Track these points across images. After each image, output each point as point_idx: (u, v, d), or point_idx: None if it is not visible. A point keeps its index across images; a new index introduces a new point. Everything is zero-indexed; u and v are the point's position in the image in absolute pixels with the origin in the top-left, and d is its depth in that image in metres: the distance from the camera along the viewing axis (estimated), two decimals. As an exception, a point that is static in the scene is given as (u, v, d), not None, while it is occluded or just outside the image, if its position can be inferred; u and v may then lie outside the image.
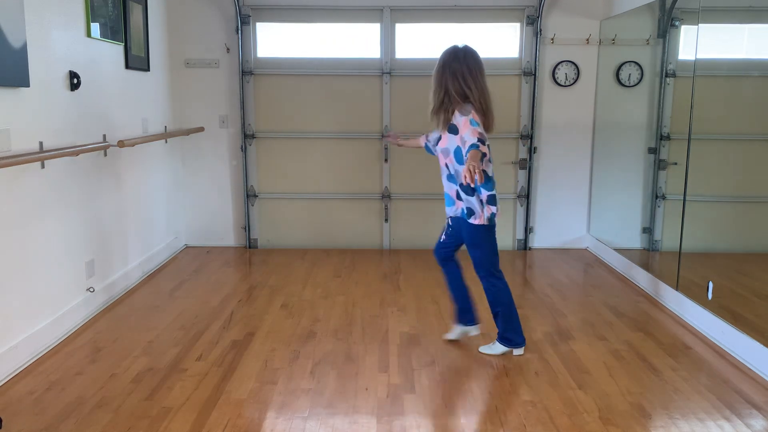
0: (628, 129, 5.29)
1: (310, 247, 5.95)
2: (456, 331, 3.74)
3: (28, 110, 3.41)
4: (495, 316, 3.55)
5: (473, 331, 3.74)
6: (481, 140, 3.18)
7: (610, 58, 5.49)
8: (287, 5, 5.66)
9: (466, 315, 3.70)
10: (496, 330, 3.58)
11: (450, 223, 3.59)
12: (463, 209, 3.41)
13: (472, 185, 3.24)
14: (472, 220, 3.37)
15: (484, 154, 3.19)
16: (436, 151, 3.51)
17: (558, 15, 5.69)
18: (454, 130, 3.31)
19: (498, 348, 3.55)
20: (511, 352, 3.55)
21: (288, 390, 3.11)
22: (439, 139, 3.45)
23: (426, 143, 3.66)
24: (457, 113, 3.30)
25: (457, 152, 3.31)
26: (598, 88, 5.73)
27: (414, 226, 5.95)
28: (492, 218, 3.38)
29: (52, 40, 3.64)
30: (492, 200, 3.36)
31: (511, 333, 3.52)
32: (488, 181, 3.34)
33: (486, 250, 3.45)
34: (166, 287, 4.75)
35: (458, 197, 3.41)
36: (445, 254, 3.66)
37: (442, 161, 3.43)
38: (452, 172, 3.40)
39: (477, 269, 3.49)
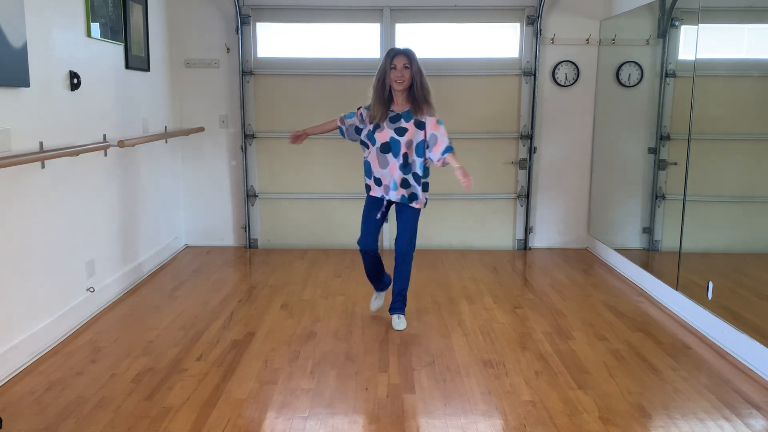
0: (628, 129, 5.29)
1: (310, 247, 5.95)
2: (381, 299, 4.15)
3: (28, 110, 3.41)
4: (404, 291, 3.94)
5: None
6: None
7: (610, 58, 5.49)
8: (287, 5, 5.66)
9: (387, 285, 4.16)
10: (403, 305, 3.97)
11: (385, 206, 3.89)
12: (404, 195, 3.78)
13: (471, 188, 3.51)
14: (413, 205, 3.80)
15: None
16: (351, 135, 3.94)
17: (558, 15, 5.69)
18: (420, 125, 3.67)
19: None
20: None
21: (288, 390, 3.11)
22: (359, 128, 3.88)
23: (340, 127, 3.98)
24: (425, 110, 3.69)
25: (419, 145, 3.68)
26: (598, 88, 5.73)
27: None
28: (426, 203, 3.86)
29: (52, 40, 3.63)
30: (426, 187, 3.83)
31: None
32: (427, 169, 3.82)
33: (416, 230, 3.88)
34: (166, 287, 4.75)
35: (402, 185, 3.75)
36: (376, 237, 3.93)
37: (402, 150, 3.68)
38: (409, 162, 3.72)
39: (408, 248, 3.86)
